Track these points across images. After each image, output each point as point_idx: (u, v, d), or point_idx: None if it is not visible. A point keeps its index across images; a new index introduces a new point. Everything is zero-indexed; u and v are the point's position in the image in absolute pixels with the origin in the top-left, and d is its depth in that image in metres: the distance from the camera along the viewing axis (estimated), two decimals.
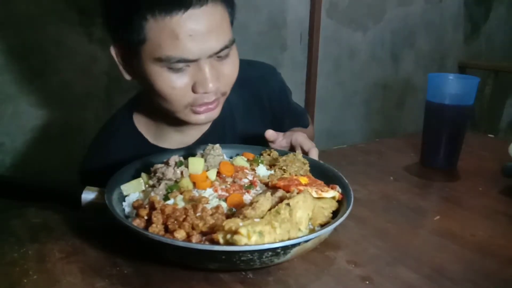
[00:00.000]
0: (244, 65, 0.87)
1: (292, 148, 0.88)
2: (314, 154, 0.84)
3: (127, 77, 0.83)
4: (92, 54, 1.56)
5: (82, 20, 1.52)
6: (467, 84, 0.95)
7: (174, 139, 0.92)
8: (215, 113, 0.84)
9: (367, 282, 0.56)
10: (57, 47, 1.49)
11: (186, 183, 0.65)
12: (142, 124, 0.92)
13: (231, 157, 0.80)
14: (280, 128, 0.96)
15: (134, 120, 0.92)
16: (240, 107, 1.00)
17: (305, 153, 0.85)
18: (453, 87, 0.95)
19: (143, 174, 0.71)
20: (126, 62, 0.81)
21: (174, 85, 0.76)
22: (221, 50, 0.77)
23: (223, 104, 0.86)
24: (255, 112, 1.03)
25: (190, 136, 0.93)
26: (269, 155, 0.81)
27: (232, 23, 0.81)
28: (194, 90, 0.77)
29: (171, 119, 0.85)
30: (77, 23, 1.52)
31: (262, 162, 0.77)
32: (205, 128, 0.94)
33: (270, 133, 0.86)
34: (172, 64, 0.74)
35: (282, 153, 0.80)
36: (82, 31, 1.53)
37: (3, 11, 1.38)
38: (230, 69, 0.81)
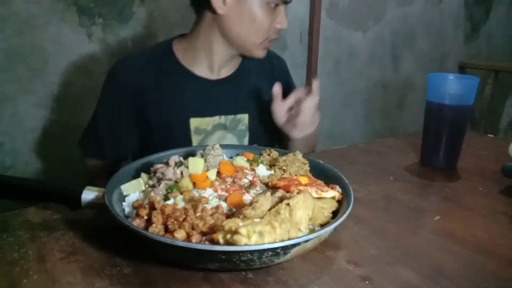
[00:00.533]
0: None
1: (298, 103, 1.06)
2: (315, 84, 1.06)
3: (221, 11, 0.99)
4: (92, 54, 1.56)
5: (82, 20, 1.52)
6: (467, 84, 0.94)
7: (210, 70, 1.09)
8: (266, 52, 1.08)
9: (367, 282, 0.56)
10: (57, 47, 1.49)
11: (186, 183, 0.66)
12: (179, 49, 1.08)
13: (231, 157, 0.80)
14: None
15: (173, 45, 1.09)
16: (257, 69, 1.17)
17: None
18: (453, 87, 0.95)
19: (143, 174, 0.71)
20: None
21: (269, 19, 1.00)
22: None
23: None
24: (265, 80, 1.17)
25: (223, 71, 1.11)
26: (269, 155, 0.81)
27: None
28: (274, 26, 1.02)
29: (221, 53, 1.06)
30: (77, 23, 1.52)
31: (262, 162, 0.77)
32: (233, 68, 1.13)
33: (277, 87, 1.05)
34: (274, 2, 0.98)
35: (282, 153, 0.81)
36: (82, 31, 1.53)
37: (3, 11, 1.38)
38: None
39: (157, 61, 1.06)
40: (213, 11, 1.00)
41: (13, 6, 1.39)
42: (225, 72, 1.11)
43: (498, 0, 3.12)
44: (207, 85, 1.08)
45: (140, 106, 1.05)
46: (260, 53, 1.06)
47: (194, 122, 1.06)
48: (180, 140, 1.05)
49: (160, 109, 1.05)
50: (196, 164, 0.68)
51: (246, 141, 1.14)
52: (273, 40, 1.05)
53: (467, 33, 3.04)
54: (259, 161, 0.77)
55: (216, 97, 1.09)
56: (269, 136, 1.19)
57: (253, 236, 0.52)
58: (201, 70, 1.08)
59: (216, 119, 1.09)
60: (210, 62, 1.07)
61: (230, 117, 1.10)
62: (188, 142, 1.06)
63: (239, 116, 1.12)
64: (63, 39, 1.50)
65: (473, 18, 3.03)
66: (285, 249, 0.53)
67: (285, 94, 1.10)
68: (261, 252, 0.52)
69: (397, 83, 2.69)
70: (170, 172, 0.68)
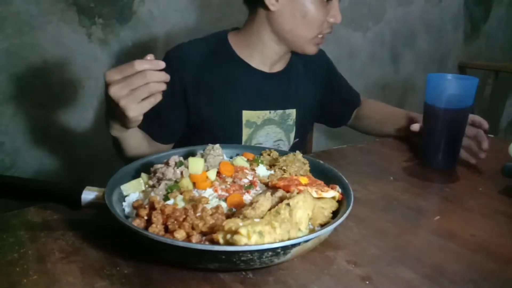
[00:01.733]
0: None
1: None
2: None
3: (273, 7, 1.00)
4: (92, 54, 1.56)
5: (82, 20, 1.52)
6: (466, 85, 0.93)
7: (264, 64, 1.09)
8: (318, 47, 1.07)
9: (367, 282, 0.56)
10: (57, 47, 1.49)
11: (186, 183, 0.66)
12: (235, 42, 1.08)
13: (231, 157, 0.80)
14: (331, 95, 1.26)
15: (228, 36, 1.09)
16: (302, 65, 1.19)
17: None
18: (452, 88, 0.94)
19: (143, 174, 0.71)
20: None
21: (321, 13, 0.99)
22: None
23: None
24: (310, 76, 1.20)
25: (276, 66, 1.12)
26: (269, 155, 0.81)
27: None
28: (328, 21, 1.01)
29: (273, 49, 1.07)
30: (77, 23, 1.52)
31: (262, 162, 0.77)
32: (284, 64, 1.13)
33: (415, 127, 1.06)
34: None
35: (282, 153, 0.81)
36: (82, 31, 1.53)
37: (3, 11, 1.38)
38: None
39: (214, 52, 1.07)
40: (266, 8, 1.01)
41: (13, 6, 1.39)
42: (278, 67, 1.12)
43: (498, 0, 3.12)
44: (261, 78, 1.09)
45: (192, 94, 1.04)
46: (311, 49, 1.06)
47: (246, 115, 1.07)
48: (231, 131, 1.06)
49: (213, 99, 1.05)
50: (196, 164, 0.68)
51: (292, 136, 1.16)
52: (325, 35, 1.05)
53: (467, 33, 3.04)
54: (259, 161, 0.77)
55: (268, 91, 1.10)
56: (308, 131, 1.26)
57: (253, 236, 0.52)
58: (256, 63, 1.09)
59: (266, 113, 1.10)
60: (264, 57, 1.08)
61: (280, 111, 1.12)
62: (239, 134, 1.07)
63: (288, 111, 1.13)
64: (63, 39, 1.50)
65: (473, 18, 3.03)
66: (285, 249, 0.53)
67: (332, 87, 1.22)
68: (261, 252, 0.52)
69: (397, 83, 2.69)
70: (170, 172, 0.68)
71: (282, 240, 0.53)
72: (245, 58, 1.08)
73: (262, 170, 0.74)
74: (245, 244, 0.51)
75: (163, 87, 0.74)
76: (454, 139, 0.96)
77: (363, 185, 0.86)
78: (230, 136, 1.05)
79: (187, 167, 0.68)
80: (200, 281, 0.55)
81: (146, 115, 0.99)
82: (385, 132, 1.22)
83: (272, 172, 0.74)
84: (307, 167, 0.76)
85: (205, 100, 1.05)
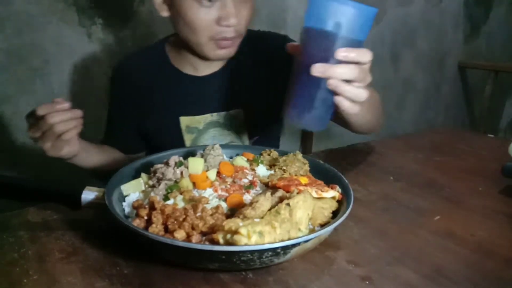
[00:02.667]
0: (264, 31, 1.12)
1: None
2: None
3: (165, 13, 0.95)
4: (92, 54, 1.56)
5: (82, 20, 1.52)
6: (362, 10, 0.65)
7: (194, 68, 1.06)
8: (232, 50, 0.97)
9: (367, 282, 0.56)
10: (57, 47, 1.49)
11: (186, 183, 0.66)
12: (170, 48, 1.07)
13: (231, 157, 0.80)
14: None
15: (165, 47, 1.08)
16: (251, 60, 1.10)
17: None
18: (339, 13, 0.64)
19: (143, 174, 0.71)
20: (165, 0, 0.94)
21: (202, 17, 0.88)
22: None
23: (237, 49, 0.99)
24: (262, 70, 1.10)
25: (207, 68, 1.06)
26: (269, 155, 0.81)
27: None
28: (218, 23, 0.90)
29: (194, 52, 0.99)
30: (77, 23, 1.52)
31: (262, 162, 0.77)
32: (220, 64, 1.07)
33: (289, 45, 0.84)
34: None
35: (282, 153, 0.81)
36: (82, 31, 1.53)
37: (3, 11, 1.38)
38: (248, 11, 0.94)
39: (151, 62, 1.08)
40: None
41: (13, 6, 1.39)
42: (212, 69, 1.07)
43: (498, 0, 3.12)
44: (193, 83, 1.06)
45: (136, 106, 1.07)
46: (215, 54, 0.95)
47: (185, 121, 1.06)
48: (173, 139, 1.06)
49: (152, 110, 1.07)
50: (196, 164, 0.68)
51: (246, 137, 1.11)
52: (232, 39, 0.93)
53: (467, 33, 3.04)
54: (259, 161, 0.77)
55: (204, 95, 1.06)
56: (275, 129, 1.18)
57: (253, 236, 0.52)
58: (187, 68, 1.06)
59: (207, 117, 1.07)
60: (191, 62, 1.05)
61: (223, 113, 1.07)
62: (181, 141, 1.06)
63: (233, 112, 1.08)
64: (63, 39, 1.50)
65: (473, 18, 3.03)
66: (285, 249, 0.53)
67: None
68: (261, 252, 0.52)
69: (397, 83, 2.69)
70: (170, 172, 0.68)
71: (282, 240, 0.53)
72: (177, 64, 1.06)
73: (262, 170, 0.74)
74: (245, 244, 0.51)
75: (72, 124, 0.80)
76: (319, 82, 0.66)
77: (363, 185, 0.86)
78: (173, 143, 0.98)
79: (187, 167, 0.68)
80: (200, 281, 0.55)
81: (108, 130, 1.10)
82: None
83: (272, 172, 0.74)
84: (307, 167, 0.76)
85: (146, 111, 1.07)
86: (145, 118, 1.08)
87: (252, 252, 0.51)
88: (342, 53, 0.64)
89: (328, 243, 0.64)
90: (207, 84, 1.07)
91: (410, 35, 2.67)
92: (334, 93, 0.67)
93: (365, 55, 0.67)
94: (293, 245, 0.53)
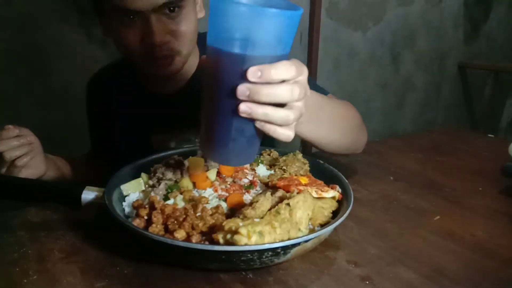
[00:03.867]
0: None
1: None
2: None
3: (104, 35, 0.90)
4: (92, 54, 1.56)
5: (82, 20, 1.52)
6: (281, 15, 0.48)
7: (158, 84, 0.98)
8: (172, 68, 0.86)
9: (367, 282, 0.56)
10: (57, 47, 1.49)
11: (186, 183, 0.66)
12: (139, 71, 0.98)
13: None
14: None
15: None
16: None
17: None
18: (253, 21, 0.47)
19: (143, 174, 0.71)
20: (102, 22, 0.89)
21: (126, 37, 0.81)
22: (166, 4, 0.78)
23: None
24: None
25: (169, 86, 0.98)
26: (269, 155, 0.81)
27: None
28: (142, 42, 0.81)
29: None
30: (77, 23, 1.52)
31: (262, 162, 0.77)
32: (181, 82, 0.98)
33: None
34: (117, 12, 0.78)
35: (282, 153, 0.81)
36: (82, 31, 1.53)
37: (3, 11, 1.38)
38: (184, 27, 0.83)
39: (120, 78, 1.04)
40: None
41: (13, 6, 1.39)
42: (177, 84, 0.98)
43: (498, 0, 3.12)
44: (159, 101, 0.99)
45: (105, 121, 1.06)
46: (152, 69, 0.86)
47: (156, 139, 1.00)
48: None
49: (123, 128, 1.03)
50: (196, 164, 0.68)
51: None
52: (165, 58, 0.84)
53: (467, 33, 3.04)
54: (259, 161, 0.77)
55: (173, 113, 0.96)
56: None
57: (253, 236, 0.52)
58: (151, 85, 0.99)
59: (178, 135, 1.00)
60: (153, 78, 0.97)
61: (193, 130, 0.98)
62: None
63: None
64: (63, 39, 1.50)
65: (473, 18, 3.03)
66: (285, 249, 0.53)
67: None
68: (261, 252, 0.52)
69: (397, 83, 2.68)
70: (170, 172, 0.68)
71: (282, 240, 0.53)
72: (144, 81, 0.99)
73: (262, 170, 0.74)
74: (245, 244, 0.51)
75: (23, 150, 0.79)
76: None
77: (363, 185, 0.86)
78: None
79: (187, 167, 0.68)
80: (200, 281, 0.55)
81: (92, 143, 1.10)
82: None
83: (272, 172, 0.74)
84: (307, 167, 0.76)
85: (116, 130, 1.04)
86: (114, 134, 1.04)
87: (252, 252, 0.51)
88: (253, 74, 0.48)
89: (328, 243, 0.64)
90: (174, 101, 0.97)
91: (410, 35, 2.67)
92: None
93: (287, 70, 0.50)
94: (293, 245, 0.53)
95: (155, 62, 0.84)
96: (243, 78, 0.48)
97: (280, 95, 0.50)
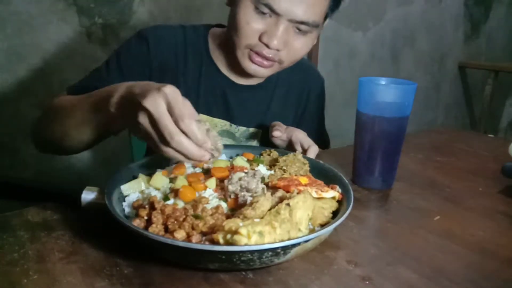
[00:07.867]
0: (306, 59, 1.07)
1: (290, 144, 0.90)
2: (312, 152, 0.86)
3: (227, 4, 0.92)
4: (92, 54, 1.56)
5: (82, 20, 1.52)
6: (403, 90, 0.80)
7: (228, 70, 1.01)
8: (264, 71, 0.92)
9: (367, 282, 0.56)
10: (57, 47, 1.49)
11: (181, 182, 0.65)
12: (212, 40, 1.01)
13: (231, 157, 0.80)
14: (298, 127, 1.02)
15: (208, 34, 1.02)
16: (285, 88, 1.09)
17: (304, 151, 0.86)
18: (387, 94, 0.81)
19: (141, 175, 0.71)
20: None
21: (250, 22, 0.85)
22: (302, 23, 0.85)
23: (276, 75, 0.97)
24: (292, 98, 1.11)
25: (242, 78, 1.02)
26: (269, 155, 0.81)
27: (327, 15, 0.91)
28: (260, 37, 0.86)
29: (231, 54, 0.93)
30: (77, 23, 1.52)
31: (262, 162, 0.77)
32: (255, 80, 1.03)
33: (277, 132, 0.91)
34: (260, 5, 0.83)
35: (282, 153, 0.80)
36: (82, 31, 1.53)
37: (3, 11, 1.38)
38: (300, 46, 0.89)
39: (189, 44, 0.99)
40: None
41: (13, 6, 1.39)
42: (249, 81, 1.02)
43: (498, 0, 3.12)
44: (226, 85, 1.00)
45: (155, 77, 0.96)
46: (245, 63, 0.90)
47: (202, 118, 0.96)
48: None
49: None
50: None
51: None
52: (266, 59, 0.88)
53: (467, 33, 3.04)
54: (259, 161, 0.77)
55: (232, 102, 1.01)
56: None
57: (253, 236, 0.52)
58: (224, 69, 1.01)
59: (226, 124, 1.02)
60: (230, 63, 0.99)
61: (242, 128, 1.04)
62: None
63: (252, 130, 1.05)
64: (63, 39, 1.50)
65: (473, 18, 3.03)
66: (285, 249, 0.53)
67: (312, 116, 1.11)
68: (261, 252, 0.52)
69: None
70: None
71: (282, 240, 0.53)
72: (216, 59, 1.00)
73: (262, 170, 0.74)
74: (245, 244, 0.51)
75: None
76: (390, 155, 0.84)
77: None
78: None
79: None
80: (200, 281, 0.55)
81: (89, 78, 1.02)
82: None
83: (272, 172, 0.74)
84: (307, 167, 0.76)
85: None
86: None
87: (252, 252, 0.51)
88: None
89: (328, 243, 0.64)
90: (238, 92, 1.01)
91: (410, 35, 2.68)
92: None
93: None
94: (293, 245, 0.53)
95: (256, 56, 0.88)
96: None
97: None
